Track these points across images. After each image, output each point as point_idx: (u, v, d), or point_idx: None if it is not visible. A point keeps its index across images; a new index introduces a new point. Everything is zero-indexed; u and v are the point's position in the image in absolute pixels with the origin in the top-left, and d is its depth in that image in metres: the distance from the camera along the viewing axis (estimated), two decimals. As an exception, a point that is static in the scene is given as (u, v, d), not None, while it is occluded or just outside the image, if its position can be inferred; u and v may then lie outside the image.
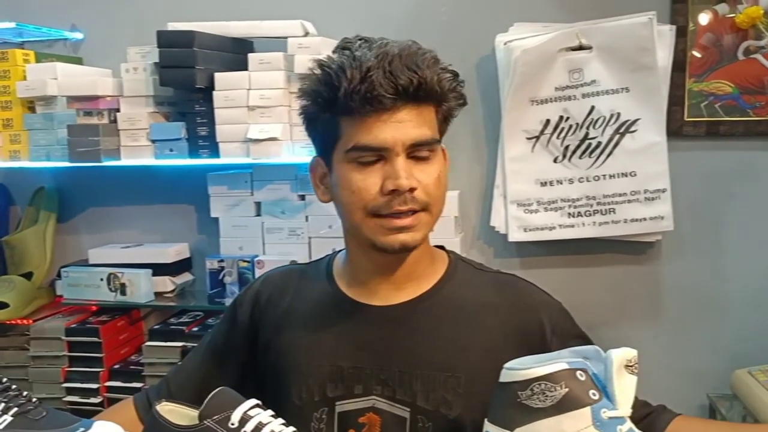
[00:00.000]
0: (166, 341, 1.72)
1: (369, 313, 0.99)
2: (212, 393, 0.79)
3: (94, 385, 1.73)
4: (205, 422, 0.76)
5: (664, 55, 1.62)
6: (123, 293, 1.74)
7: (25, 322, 1.77)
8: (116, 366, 1.76)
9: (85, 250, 1.85)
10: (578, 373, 0.72)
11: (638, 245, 1.72)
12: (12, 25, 1.68)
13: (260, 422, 0.76)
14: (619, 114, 1.64)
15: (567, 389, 0.70)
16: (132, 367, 1.76)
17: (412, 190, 0.90)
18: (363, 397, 0.96)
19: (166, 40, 1.52)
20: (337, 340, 0.99)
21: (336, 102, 0.89)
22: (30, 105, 1.70)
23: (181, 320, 1.79)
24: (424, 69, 0.88)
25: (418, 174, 0.91)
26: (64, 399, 1.74)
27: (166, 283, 1.78)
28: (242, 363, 1.08)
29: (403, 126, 0.89)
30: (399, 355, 0.96)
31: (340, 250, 1.07)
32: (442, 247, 1.08)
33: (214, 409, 0.77)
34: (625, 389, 0.72)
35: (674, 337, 1.75)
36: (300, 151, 1.56)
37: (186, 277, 1.85)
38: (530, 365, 0.72)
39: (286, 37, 1.57)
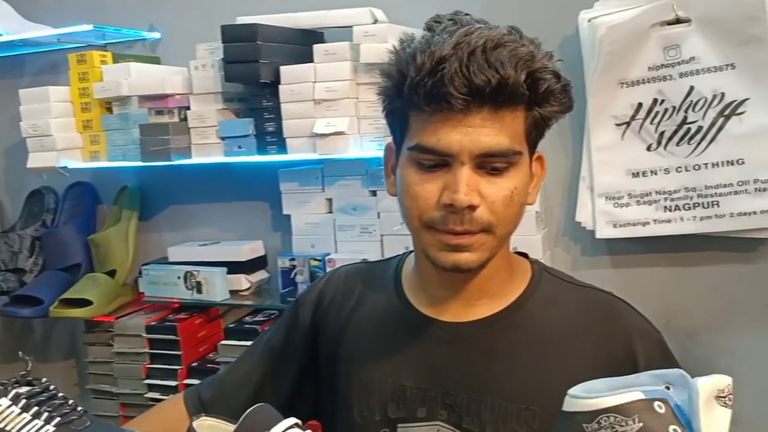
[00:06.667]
0: (240, 340, 1.70)
1: (438, 329, 0.90)
2: (249, 410, 0.74)
3: (173, 383, 1.75)
4: (239, 442, 0.72)
5: (776, 25, 1.43)
6: (199, 291, 1.74)
7: (108, 319, 1.81)
8: (194, 364, 1.77)
9: (165, 248, 1.87)
10: (656, 404, 0.61)
11: (747, 242, 1.53)
12: (89, 27, 1.71)
13: (296, 444, 0.71)
14: (723, 94, 1.46)
15: (641, 424, 0.60)
16: (209, 365, 1.76)
17: (472, 207, 0.79)
18: (426, 422, 0.88)
19: (230, 35, 1.49)
20: (402, 356, 0.91)
21: (403, 91, 0.79)
22: (108, 106, 1.72)
23: (255, 319, 1.77)
24: (508, 68, 0.75)
25: (485, 188, 0.80)
26: (145, 395, 1.77)
27: (242, 281, 1.77)
28: (302, 367, 1.03)
29: (475, 132, 0.77)
30: (468, 380, 0.87)
31: (412, 251, 0.98)
32: (525, 255, 0.97)
33: (249, 427, 0.73)
34: (714, 425, 0.61)
35: (791, 345, 1.56)
36: (368, 145, 1.49)
37: (261, 275, 1.83)
38: (598, 393, 0.62)
39: (353, 26, 1.51)
